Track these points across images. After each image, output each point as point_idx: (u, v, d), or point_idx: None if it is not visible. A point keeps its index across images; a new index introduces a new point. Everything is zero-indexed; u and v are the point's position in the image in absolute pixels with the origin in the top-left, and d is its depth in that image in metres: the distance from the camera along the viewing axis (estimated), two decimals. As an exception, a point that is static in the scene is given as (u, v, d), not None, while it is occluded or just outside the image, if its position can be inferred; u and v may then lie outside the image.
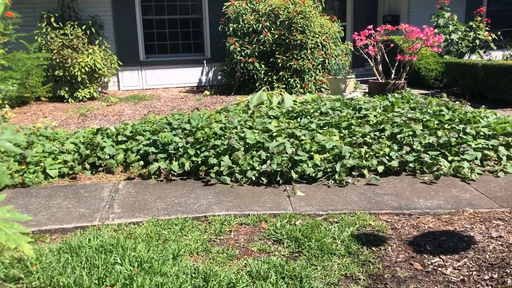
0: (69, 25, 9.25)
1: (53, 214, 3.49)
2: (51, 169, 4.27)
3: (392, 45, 8.64)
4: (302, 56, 9.07)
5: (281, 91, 7.38)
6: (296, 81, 9.06)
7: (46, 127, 5.68)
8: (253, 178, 4.11)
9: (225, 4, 9.93)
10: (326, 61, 9.42)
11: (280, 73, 9.10)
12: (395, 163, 4.27)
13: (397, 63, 8.08)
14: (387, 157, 4.38)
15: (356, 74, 9.87)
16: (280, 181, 4.08)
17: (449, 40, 10.35)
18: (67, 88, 9.19)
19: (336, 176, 4.12)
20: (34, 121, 7.12)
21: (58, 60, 8.89)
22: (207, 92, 9.76)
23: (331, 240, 3.02)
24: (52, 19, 9.26)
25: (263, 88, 7.92)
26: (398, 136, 4.67)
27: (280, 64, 9.10)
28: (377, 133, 4.84)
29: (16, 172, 4.22)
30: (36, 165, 4.32)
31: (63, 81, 9.19)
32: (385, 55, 8.24)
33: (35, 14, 9.47)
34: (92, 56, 9.12)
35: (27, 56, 8.41)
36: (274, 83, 9.13)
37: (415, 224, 3.31)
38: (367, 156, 4.45)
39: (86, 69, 8.96)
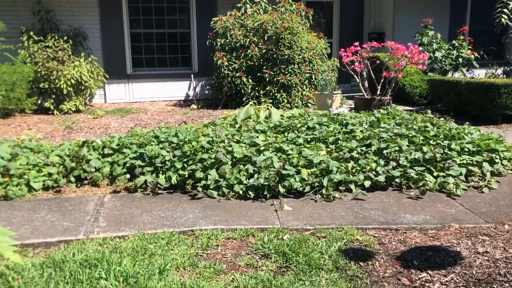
0: (49, 37, 9.20)
1: (37, 227, 3.42)
2: (35, 181, 4.20)
3: (378, 62, 8.77)
4: (290, 71, 9.14)
5: (268, 105, 7.41)
6: (283, 96, 9.11)
7: (31, 139, 5.59)
8: (240, 192, 4.09)
9: (213, 19, 9.99)
10: (313, 77, 9.50)
11: (267, 88, 9.15)
12: (381, 178, 4.30)
13: (382, 80, 8.19)
14: (373, 172, 4.41)
15: (342, 90, 9.96)
16: (268, 196, 4.07)
17: (433, 58, 10.54)
18: (52, 101, 9.09)
19: (324, 191, 4.12)
20: (19, 133, 7.01)
21: (43, 72, 8.81)
22: (194, 106, 9.76)
23: (319, 255, 3.01)
24: (32, 32, 9.20)
25: (250, 103, 7.94)
26: (385, 152, 4.71)
27: (267, 79, 9.15)
28: (363, 148, 4.87)
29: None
30: (19, 177, 4.24)
31: (48, 93, 9.10)
32: (371, 71, 8.35)
33: (20, 27, 9.41)
34: (78, 68, 9.06)
35: (13, 69, 8.32)
36: (261, 98, 9.17)
37: (402, 239, 3.32)
38: (354, 171, 4.47)
39: (72, 81, 8.89)
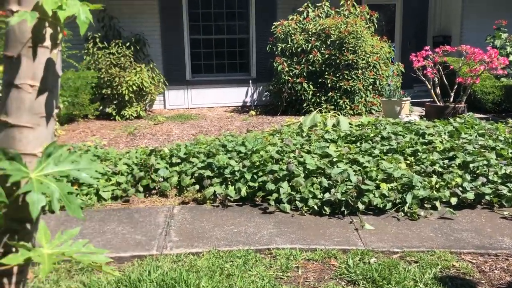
0: (112, 44, 9.34)
1: (109, 240, 3.31)
2: (105, 191, 4.14)
3: (451, 67, 8.23)
4: (353, 76, 8.79)
5: (336, 113, 7.11)
6: (345, 102, 8.77)
7: (96, 146, 5.60)
8: (315, 207, 3.83)
9: (274, 24, 9.80)
10: (377, 82, 9.10)
11: (329, 94, 8.84)
12: (470, 195, 3.91)
13: (456, 86, 7.67)
14: (460, 188, 4.02)
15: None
16: (345, 212, 3.78)
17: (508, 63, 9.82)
18: (114, 106, 9.22)
19: (406, 208, 3.79)
20: (83, 139, 7.10)
21: (106, 78, 8.95)
22: (253, 112, 9.60)
23: (413, 283, 2.71)
24: (97, 39, 9.37)
25: (316, 110, 7.67)
26: (471, 165, 4.30)
27: (329, 85, 8.84)
28: (446, 161, 4.48)
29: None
30: (89, 186, 4.19)
31: (110, 99, 9.24)
32: (443, 77, 7.85)
33: (85, 34, 9.61)
34: (140, 74, 9.14)
35: (77, 75, 8.50)
36: (322, 104, 8.87)
37: (505, 267, 2.94)
38: (438, 186, 4.10)
39: (134, 87, 8.97)
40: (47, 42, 1.51)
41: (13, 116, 1.51)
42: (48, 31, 1.50)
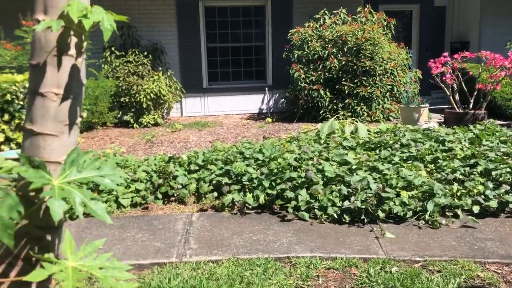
0: (130, 52, 9.44)
1: (128, 247, 3.32)
2: (124, 198, 4.16)
3: (470, 73, 8.12)
4: (370, 83, 8.73)
5: (353, 120, 7.06)
6: (363, 109, 8.71)
7: (115, 154, 5.65)
8: (335, 215, 3.79)
9: (290, 31, 9.82)
10: (394, 89, 9.02)
11: (346, 101, 8.79)
12: (494, 204, 3.83)
13: (476, 92, 7.56)
14: (482, 196, 3.94)
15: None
16: (365, 220, 3.74)
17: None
18: (132, 114, 9.31)
19: (427, 216, 3.72)
20: (102, 147, 7.17)
21: (124, 87, 9.05)
22: (269, 120, 9.59)
23: (437, 294, 2.65)
24: (114, 48, 9.49)
25: (334, 117, 7.63)
26: (494, 173, 4.22)
27: (346, 92, 8.79)
28: (467, 169, 4.40)
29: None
30: (108, 193, 4.22)
31: (128, 107, 9.32)
32: (463, 83, 7.74)
33: (103, 43, 9.74)
34: (157, 82, 9.22)
35: (96, 84, 8.61)
36: (339, 111, 8.82)
37: (532, 278, 2.86)
38: (459, 194, 4.03)
39: (151, 95, 9.05)
40: (72, 51, 1.53)
41: (38, 124, 1.53)
42: (73, 39, 1.52)
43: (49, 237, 1.59)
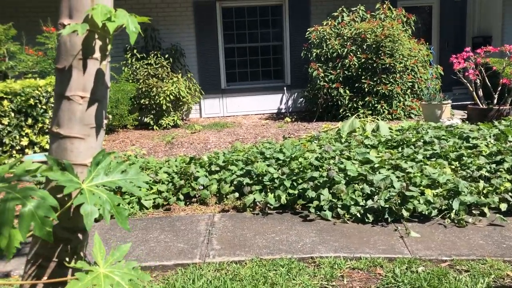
0: (152, 55, 9.51)
1: (152, 248, 3.34)
2: (146, 199, 4.19)
3: (494, 68, 7.95)
4: (391, 80, 8.62)
5: (374, 118, 6.98)
6: (383, 107, 8.61)
7: (136, 155, 5.70)
8: (358, 214, 3.75)
9: (308, 29, 9.77)
10: (415, 86, 8.89)
11: (366, 99, 8.70)
12: (522, 201, 3.74)
13: (500, 88, 7.39)
14: (509, 194, 3.85)
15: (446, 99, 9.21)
16: (389, 219, 3.68)
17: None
18: (152, 116, 9.38)
19: (453, 215, 3.66)
20: (123, 149, 7.25)
21: (144, 89, 9.13)
22: (288, 119, 9.56)
23: (465, 294, 2.59)
24: (135, 50, 9.57)
25: (354, 115, 7.56)
26: (521, 170, 4.12)
27: (366, 89, 8.71)
28: (493, 166, 4.31)
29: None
30: (131, 195, 4.26)
31: (148, 109, 9.40)
32: (486, 78, 7.59)
33: (123, 45, 9.84)
34: (177, 84, 9.27)
35: (117, 87, 8.70)
36: (359, 109, 8.74)
37: None
38: (485, 191, 3.94)
39: (171, 97, 9.11)
40: (97, 54, 1.54)
41: (64, 127, 1.54)
42: (98, 43, 1.53)
43: (77, 239, 1.60)
